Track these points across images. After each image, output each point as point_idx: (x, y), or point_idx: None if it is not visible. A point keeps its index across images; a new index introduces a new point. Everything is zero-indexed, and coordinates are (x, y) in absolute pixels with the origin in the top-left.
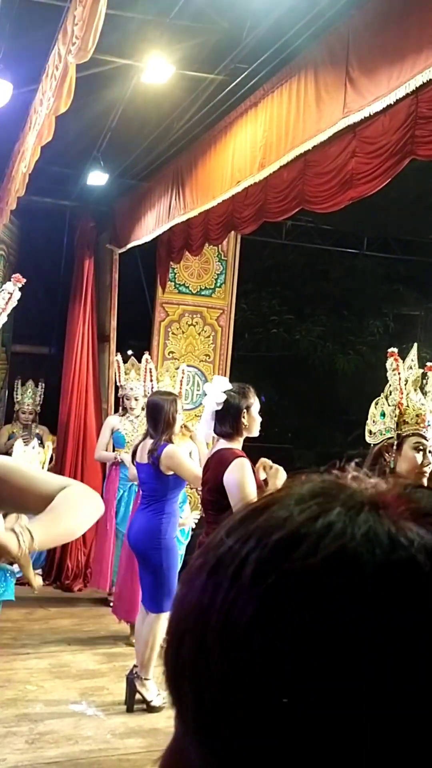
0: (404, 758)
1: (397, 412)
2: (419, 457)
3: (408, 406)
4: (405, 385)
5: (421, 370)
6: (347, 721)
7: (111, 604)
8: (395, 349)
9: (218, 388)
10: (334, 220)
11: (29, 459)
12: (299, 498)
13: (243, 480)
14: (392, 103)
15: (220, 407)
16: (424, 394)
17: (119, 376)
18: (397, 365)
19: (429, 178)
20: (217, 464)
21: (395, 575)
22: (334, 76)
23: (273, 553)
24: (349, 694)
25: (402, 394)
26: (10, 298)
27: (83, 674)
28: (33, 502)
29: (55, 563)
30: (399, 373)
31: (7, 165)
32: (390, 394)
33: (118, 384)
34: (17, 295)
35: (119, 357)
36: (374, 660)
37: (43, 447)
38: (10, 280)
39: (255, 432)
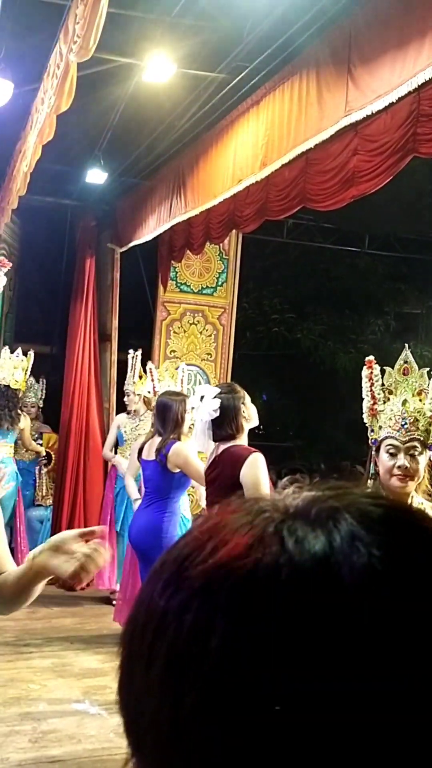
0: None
1: (370, 418)
2: (390, 460)
3: (383, 410)
4: (389, 389)
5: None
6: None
7: (113, 603)
8: (371, 357)
9: (207, 396)
10: (336, 218)
11: None
12: (221, 512)
13: (259, 475)
14: (394, 101)
15: (217, 413)
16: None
17: (131, 373)
18: (370, 372)
19: (431, 175)
20: (230, 461)
21: (279, 576)
22: (336, 74)
23: (179, 563)
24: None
25: (375, 399)
26: None
27: (86, 673)
28: None
29: None
30: (371, 380)
31: (8, 164)
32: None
33: (127, 381)
34: (3, 280)
35: (152, 366)
36: (230, 664)
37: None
38: (11, 280)
39: (256, 420)
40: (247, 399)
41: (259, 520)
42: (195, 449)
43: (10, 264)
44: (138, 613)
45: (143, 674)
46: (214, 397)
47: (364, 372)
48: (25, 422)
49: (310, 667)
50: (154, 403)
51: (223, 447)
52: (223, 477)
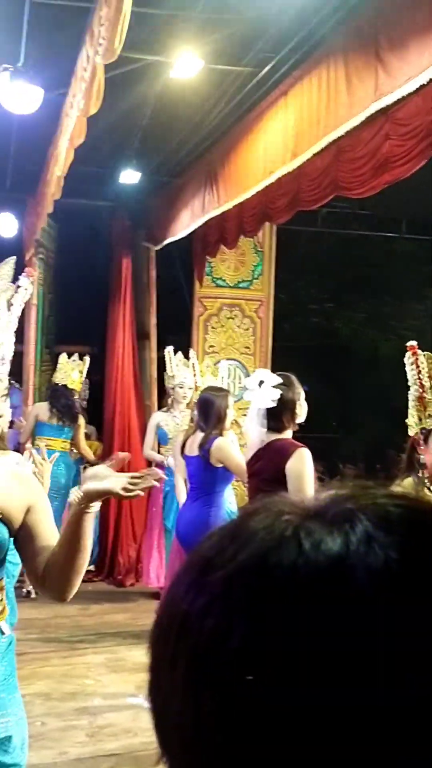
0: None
1: (419, 406)
2: None
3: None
4: (429, 375)
5: None
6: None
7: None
8: (414, 343)
9: (267, 383)
10: (371, 204)
11: None
12: (245, 515)
13: (305, 471)
14: (425, 82)
15: (275, 404)
16: None
17: (170, 365)
18: (415, 359)
19: None
20: (275, 454)
21: (298, 577)
22: (364, 58)
23: (202, 566)
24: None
25: (423, 387)
26: (26, 292)
27: (139, 668)
28: (38, 563)
29: (107, 559)
30: (417, 367)
31: (42, 169)
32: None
33: (170, 374)
34: (30, 288)
35: (170, 348)
36: (249, 655)
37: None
38: (51, 283)
39: (304, 417)
40: (302, 395)
41: (279, 523)
42: (235, 438)
43: (36, 273)
44: (163, 616)
45: (168, 676)
46: (275, 386)
47: (408, 359)
48: (81, 421)
49: (326, 671)
50: (195, 399)
51: (267, 440)
52: (267, 470)
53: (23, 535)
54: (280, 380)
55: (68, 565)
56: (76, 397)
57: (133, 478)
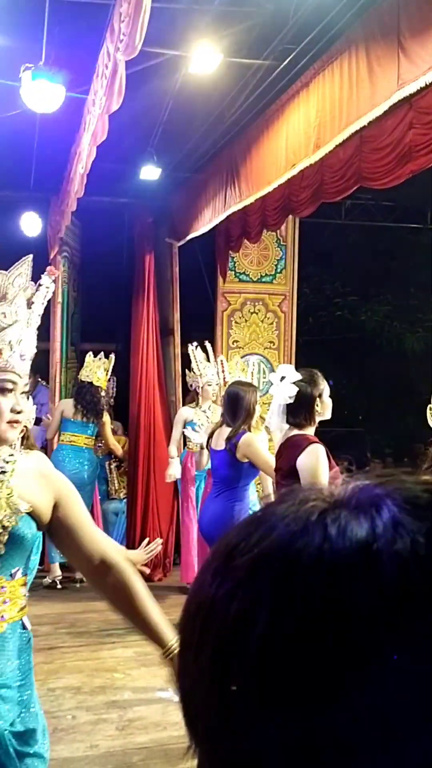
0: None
1: None
2: None
3: None
4: None
5: None
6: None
7: None
8: None
9: (287, 379)
10: (395, 195)
11: None
12: (271, 503)
13: (316, 466)
14: None
15: (292, 400)
16: None
17: (197, 365)
18: None
19: None
20: (290, 449)
21: (322, 564)
22: (386, 47)
23: (228, 552)
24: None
25: None
26: (48, 291)
27: None
28: (82, 557)
29: None
30: None
31: (64, 168)
32: None
33: (197, 372)
34: (52, 287)
35: (193, 347)
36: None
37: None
38: (75, 281)
39: (328, 415)
40: (326, 393)
41: (304, 510)
42: (265, 438)
43: (58, 272)
44: (190, 603)
45: (194, 662)
46: (295, 382)
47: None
48: (106, 418)
49: (350, 657)
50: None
51: (289, 434)
52: (284, 465)
53: (58, 530)
54: (300, 376)
55: (116, 608)
56: (102, 394)
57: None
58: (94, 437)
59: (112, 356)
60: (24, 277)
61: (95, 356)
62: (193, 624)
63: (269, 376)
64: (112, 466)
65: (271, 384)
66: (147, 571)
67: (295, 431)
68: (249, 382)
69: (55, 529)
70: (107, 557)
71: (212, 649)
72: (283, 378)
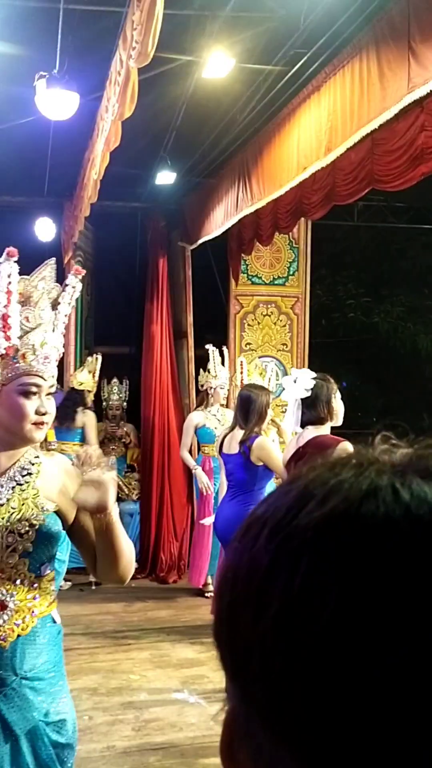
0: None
1: None
2: None
3: None
4: None
5: None
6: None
7: (206, 596)
8: None
9: (302, 378)
10: (407, 196)
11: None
12: (318, 468)
13: None
14: None
15: (309, 393)
16: None
17: (214, 366)
18: None
19: None
20: (316, 450)
21: (397, 528)
22: (396, 51)
23: (284, 513)
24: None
25: None
26: (74, 291)
27: (183, 663)
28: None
29: (149, 557)
30: None
31: (78, 174)
32: None
33: (211, 375)
34: (79, 286)
35: (212, 348)
36: (363, 612)
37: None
38: (88, 285)
39: (340, 420)
40: (337, 395)
41: (369, 472)
42: (276, 441)
43: (84, 271)
44: (240, 562)
45: (251, 624)
46: (312, 378)
47: None
48: (84, 419)
49: (426, 637)
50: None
51: (308, 437)
52: None
53: (78, 530)
54: (314, 375)
55: (108, 562)
56: (90, 397)
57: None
58: (81, 443)
59: (98, 357)
60: (47, 281)
61: (91, 356)
62: (248, 585)
63: (282, 380)
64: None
65: (283, 388)
66: None
67: (314, 431)
68: (261, 385)
69: (77, 529)
70: None
71: (275, 616)
72: (296, 380)
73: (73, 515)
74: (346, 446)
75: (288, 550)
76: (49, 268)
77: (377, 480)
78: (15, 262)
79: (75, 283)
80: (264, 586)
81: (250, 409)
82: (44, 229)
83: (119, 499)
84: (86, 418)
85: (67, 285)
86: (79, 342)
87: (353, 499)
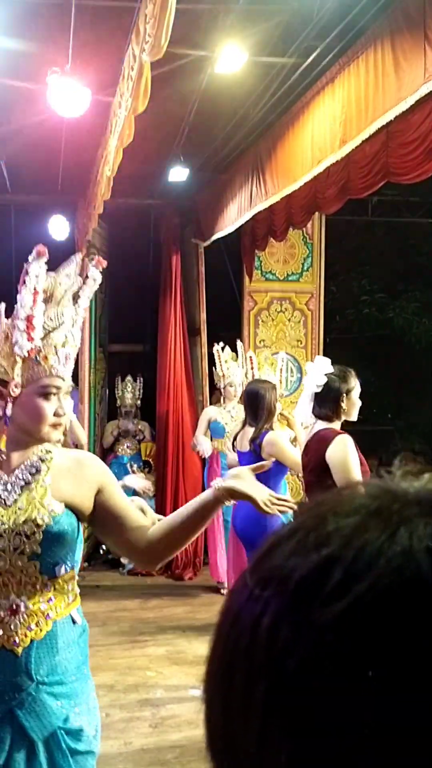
0: None
1: None
2: None
3: None
4: None
5: None
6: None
7: (222, 593)
8: None
9: (320, 370)
10: (423, 191)
11: None
12: (334, 515)
13: (346, 456)
14: None
15: (320, 389)
16: None
17: (220, 365)
18: None
19: None
20: (318, 444)
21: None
22: (412, 40)
23: (291, 603)
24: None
25: None
26: (95, 283)
27: (200, 660)
28: (130, 540)
29: None
30: None
31: (91, 171)
32: None
33: (220, 373)
34: (99, 278)
35: (219, 347)
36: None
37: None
38: (103, 283)
39: (353, 416)
40: (355, 393)
41: (399, 529)
42: (288, 434)
43: (106, 263)
44: (230, 628)
45: (242, 714)
46: (325, 374)
47: None
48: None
49: None
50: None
51: (315, 429)
52: (313, 460)
53: (102, 516)
54: (333, 370)
55: (179, 542)
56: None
57: (273, 497)
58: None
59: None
60: (71, 277)
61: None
62: (241, 669)
63: (306, 367)
64: (135, 467)
65: (300, 381)
66: None
67: (321, 425)
68: (268, 380)
69: (99, 518)
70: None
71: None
72: (317, 369)
73: (90, 505)
74: (344, 439)
75: (304, 652)
76: (73, 265)
77: (412, 541)
78: (44, 262)
79: (96, 275)
80: (251, 679)
81: (257, 405)
82: (58, 228)
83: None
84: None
85: (87, 278)
86: (93, 340)
87: (386, 577)
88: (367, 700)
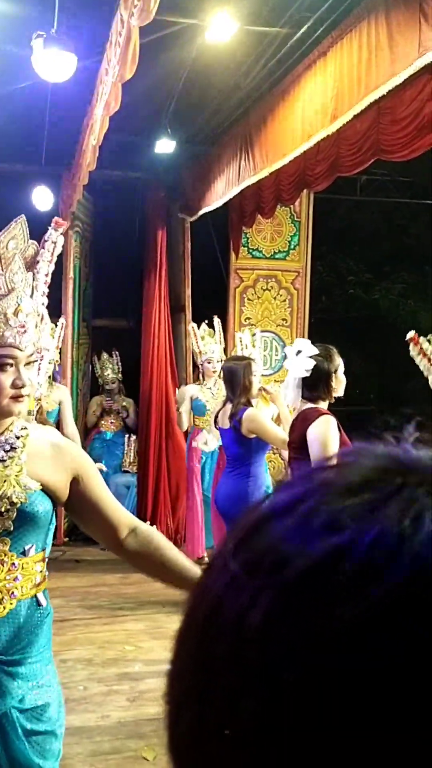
0: None
1: None
2: None
3: None
4: None
5: None
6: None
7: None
8: (413, 333)
9: (303, 353)
10: (412, 171)
11: None
12: (342, 489)
13: (326, 435)
14: None
15: (309, 374)
16: None
17: (196, 342)
18: (420, 348)
19: None
20: (302, 422)
21: None
22: (407, 13)
23: (288, 599)
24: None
25: None
26: (55, 247)
27: None
28: (105, 527)
29: None
30: (424, 354)
31: (76, 141)
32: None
33: (196, 350)
34: (61, 241)
35: (194, 324)
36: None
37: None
38: (86, 256)
39: (341, 392)
40: (341, 369)
41: (417, 508)
42: (269, 412)
43: (66, 223)
44: (208, 611)
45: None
46: (312, 357)
47: (413, 351)
48: (60, 396)
49: None
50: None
51: (302, 408)
52: (298, 439)
53: (79, 505)
54: (317, 351)
55: (151, 574)
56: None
57: None
58: (57, 423)
59: (62, 320)
60: (19, 240)
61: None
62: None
63: (285, 350)
64: (131, 438)
65: (285, 358)
66: None
67: (308, 405)
68: (244, 356)
69: (76, 504)
70: (130, 525)
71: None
72: (299, 352)
73: (66, 490)
74: (327, 419)
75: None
76: (19, 227)
77: (423, 515)
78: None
79: (56, 238)
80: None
81: (234, 382)
82: (42, 198)
83: (120, 471)
84: (61, 394)
85: (46, 241)
86: (77, 314)
87: (412, 579)
88: (387, 733)
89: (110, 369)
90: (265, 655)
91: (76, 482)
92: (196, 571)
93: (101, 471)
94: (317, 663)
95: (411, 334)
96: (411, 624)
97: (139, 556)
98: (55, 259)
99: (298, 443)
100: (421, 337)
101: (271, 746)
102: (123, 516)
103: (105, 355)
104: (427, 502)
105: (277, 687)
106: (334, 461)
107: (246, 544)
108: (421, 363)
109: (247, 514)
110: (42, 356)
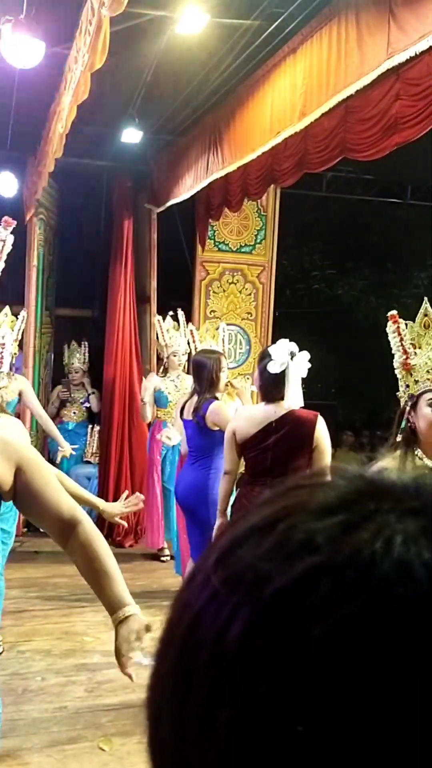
0: None
1: (405, 373)
2: None
3: (416, 364)
4: (412, 343)
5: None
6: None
7: (162, 560)
8: (394, 312)
9: (300, 354)
10: (376, 169)
11: None
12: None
13: (328, 439)
14: None
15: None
16: None
17: (162, 335)
18: (397, 327)
19: None
20: (299, 424)
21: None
22: (377, 14)
23: (265, 615)
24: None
25: (407, 353)
26: (4, 245)
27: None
28: (49, 520)
29: (106, 521)
30: (399, 335)
31: (43, 127)
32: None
33: (162, 343)
34: (10, 240)
35: (159, 318)
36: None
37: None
38: (51, 244)
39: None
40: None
41: (391, 537)
42: (234, 406)
43: (14, 222)
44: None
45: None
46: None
47: (390, 327)
48: (19, 386)
49: None
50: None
51: (282, 411)
52: (294, 440)
53: (22, 497)
54: (296, 348)
55: (82, 574)
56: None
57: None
58: (14, 413)
59: (23, 313)
60: None
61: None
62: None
63: (272, 353)
64: (94, 428)
65: (249, 354)
66: (124, 524)
67: (277, 404)
68: (214, 350)
69: (20, 496)
70: (71, 521)
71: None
72: (293, 354)
73: (10, 483)
74: (323, 421)
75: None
76: None
77: (407, 552)
78: None
79: (5, 236)
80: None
81: (202, 375)
82: (5, 184)
83: (81, 462)
84: (20, 384)
85: None
86: (40, 303)
87: (381, 599)
88: (363, 746)
89: (77, 358)
90: (242, 667)
91: (19, 474)
92: (119, 601)
93: (70, 455)
94: (291, 676)
95: (393, 312)
96: (379, 640)
97: (76, 561)
98: (4, 257)
99: (294, 444)
100: (401, 320)
101: (244, 754)
102: (65, 511)
103: (75, 345)
104: (398, 528)
105: (253, 698)
106: (312, 480)
107: (227, 560)
108: (394, 340)
109: (228, 529)
110: (4, 347)
